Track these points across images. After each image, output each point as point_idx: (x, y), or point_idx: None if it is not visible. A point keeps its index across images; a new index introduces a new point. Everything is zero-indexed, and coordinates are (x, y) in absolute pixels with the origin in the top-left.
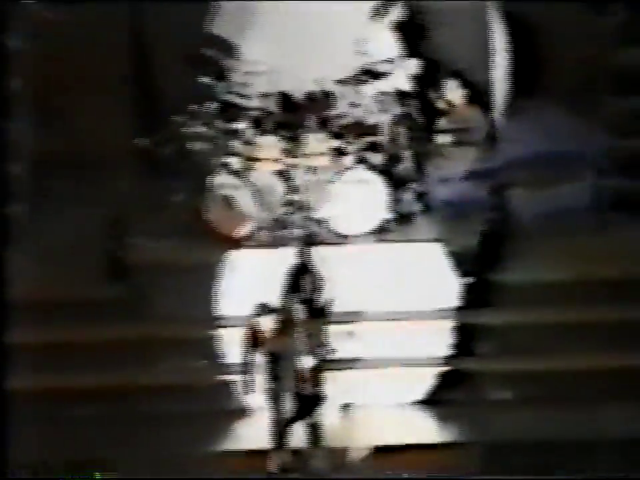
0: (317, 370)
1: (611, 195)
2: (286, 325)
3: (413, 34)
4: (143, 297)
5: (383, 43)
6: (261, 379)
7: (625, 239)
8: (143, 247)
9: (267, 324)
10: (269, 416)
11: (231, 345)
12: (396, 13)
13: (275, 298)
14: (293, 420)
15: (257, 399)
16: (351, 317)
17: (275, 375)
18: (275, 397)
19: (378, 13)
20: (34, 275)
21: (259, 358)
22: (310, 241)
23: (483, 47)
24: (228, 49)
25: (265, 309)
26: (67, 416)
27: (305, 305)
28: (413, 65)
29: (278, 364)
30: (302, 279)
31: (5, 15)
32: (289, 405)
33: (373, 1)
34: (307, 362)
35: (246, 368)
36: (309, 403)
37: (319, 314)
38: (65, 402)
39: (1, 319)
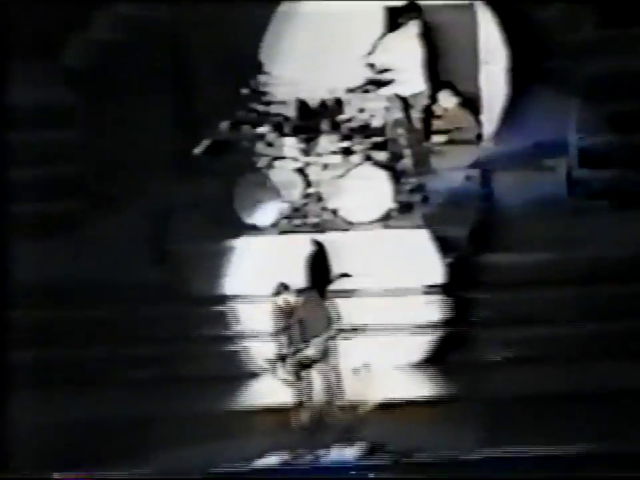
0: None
1: (584, 185)
2: (308, 298)
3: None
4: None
5: (390, 53)
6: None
7: (596, 223)
8: (182, 236)
9: (289, 299)
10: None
11: (253, 317)
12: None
13: (294, 276)
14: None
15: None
16: (358, 293)
17: (303, 341)
18: (301, 361)
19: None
20: (92, 260)
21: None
22: (323, 227)
23: (473, 54)
24: (257, 63)
25: (283, 288)
26: (118, 377)
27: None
28: (416, 74)
29: (305, 331)
30: (318, 262)
31: (63, 35)
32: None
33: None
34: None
35: (279, 335)
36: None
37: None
38: (116, 366)
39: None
